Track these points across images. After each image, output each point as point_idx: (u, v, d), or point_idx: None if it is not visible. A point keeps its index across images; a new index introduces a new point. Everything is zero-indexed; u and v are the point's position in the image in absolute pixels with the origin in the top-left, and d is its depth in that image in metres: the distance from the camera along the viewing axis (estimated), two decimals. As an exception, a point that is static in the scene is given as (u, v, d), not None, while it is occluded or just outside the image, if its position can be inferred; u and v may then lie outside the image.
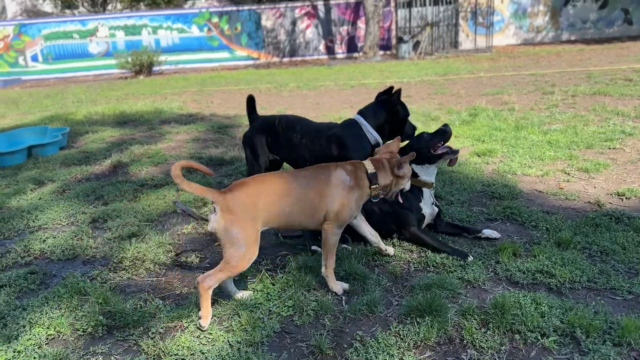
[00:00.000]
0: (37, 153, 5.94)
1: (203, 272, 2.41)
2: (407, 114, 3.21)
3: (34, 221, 3.84)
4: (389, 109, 3.12)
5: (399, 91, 3.11)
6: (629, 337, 2.09)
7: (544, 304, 2.34)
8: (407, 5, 21.26)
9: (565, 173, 4.23)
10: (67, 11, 26.37)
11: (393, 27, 22.13)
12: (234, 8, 22.65)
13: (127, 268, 3.02)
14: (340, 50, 22.86)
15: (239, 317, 2.40)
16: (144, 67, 19.13)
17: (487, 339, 2.17)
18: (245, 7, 22.70)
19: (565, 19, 22.10)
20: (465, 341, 2.18)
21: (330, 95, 9.88)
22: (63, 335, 2.39)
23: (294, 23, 22.60)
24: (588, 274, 2.62)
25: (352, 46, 22.82)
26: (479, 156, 4.90)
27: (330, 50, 22.90)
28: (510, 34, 22.26)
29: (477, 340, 2.17)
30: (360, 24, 22.40)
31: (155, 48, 20.84)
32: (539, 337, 2.16)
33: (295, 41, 22.79)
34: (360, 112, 3.18)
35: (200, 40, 22.18)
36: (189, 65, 21.75)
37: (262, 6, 22.64)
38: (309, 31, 22.77)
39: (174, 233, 3.50)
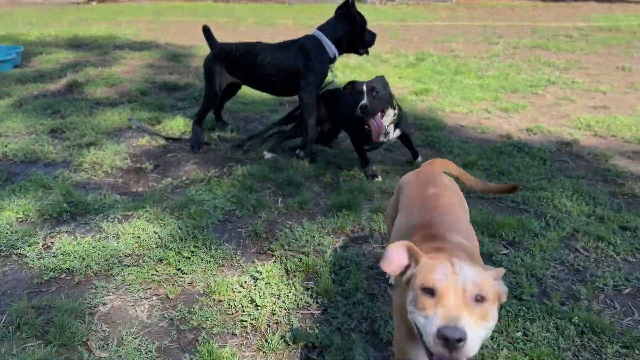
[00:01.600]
0: (-10, 70, 5.97)
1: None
2: (365, 22, 3.53)
3: (-7, 130, 4.05)
4: (347, 20, 3.44)
5: (353, 1, 3.44)
6: (501, 231, 2.64)
7: (442, 207, 2.86)
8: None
9: (487, 112, 4.76)
10: None
11: (356, -31, 21.90)
12: None
13: (86, 170, 3.35)
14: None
15: (189, 209, 2.80)
16: (96, -7, 18.38)
17: (384, 226, 2.68)
18: None
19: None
20: (373, 230, 2.68)
21: (287, 34, 10.00)
22: (30, 219, 2.74)
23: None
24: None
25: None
26: (416, 95, 5.35)
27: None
28: (471, -15, 22.47)
29: (382, 229, 2.67)
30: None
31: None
32: (433, 229, 2.68)
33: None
34: (319, 28, 3.52)
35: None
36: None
37: None
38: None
39: (129, 145, 3.82)
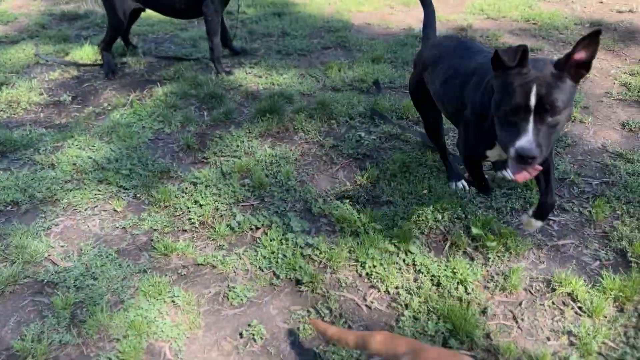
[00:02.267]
0: None
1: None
2: None
3: None
4: None
5: None
6: (408, 113, 2.98)
7: (354, 99, 3.15)
8: None
9: (391, 7, 4.99)
10: None
11: None
12: None
13: (4, 110, 3.31)
14: None
15: (117, 132, 2.92)
16: None
17: (312, 125, 2.95)
18: None
19: None
20: (297, 128, 2.94)
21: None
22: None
23: None
24: (390, 78, 3.46)
25: None
26: (322, -2, 5.45)
27: None
28: None
29: (305, 127, 2.93)
30: None
31: None
32: (348, 120, 2.98)
33: None
34: None
35: None
36: None
37: None
38: None
39: (42, 80, 3.75)
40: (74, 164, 2.66)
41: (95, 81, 3.71)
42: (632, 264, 1.90)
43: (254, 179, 2.47)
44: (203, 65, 3.87)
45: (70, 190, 2.47)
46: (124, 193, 2.46)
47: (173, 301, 1.85)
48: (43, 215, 2.32)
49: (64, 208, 2.37)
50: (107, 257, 2.05)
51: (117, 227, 2.24)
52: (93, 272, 1.97)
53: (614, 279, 1.81)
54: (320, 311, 1.78)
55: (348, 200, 2.32)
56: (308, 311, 1.79)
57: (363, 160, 2.63)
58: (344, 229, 2.14)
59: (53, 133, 2.99)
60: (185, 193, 2.42)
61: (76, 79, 3.76)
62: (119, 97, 3.39)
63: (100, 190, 2.47)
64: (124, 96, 3.41)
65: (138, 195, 2.44)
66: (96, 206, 2.39)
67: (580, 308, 1.75)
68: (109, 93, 3.51)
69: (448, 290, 1.82)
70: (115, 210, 2.35)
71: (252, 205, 2.35)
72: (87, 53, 4.13)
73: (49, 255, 2.08)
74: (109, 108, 3.29)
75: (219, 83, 3.51)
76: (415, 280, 1.89)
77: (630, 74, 3.33)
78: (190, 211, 2.30)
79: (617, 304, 1.75)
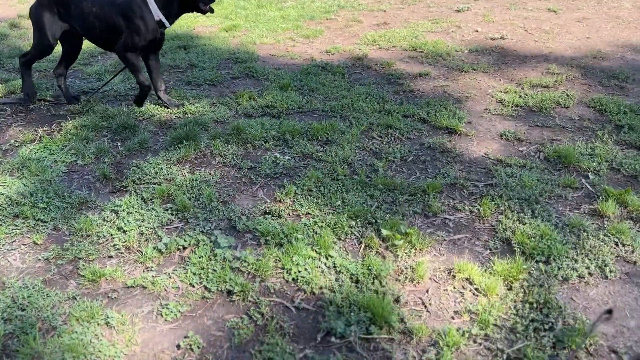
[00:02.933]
0: None
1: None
2: None
3: None
4: None
5: None
6: (317, 134, 3.22)
7: (267, 124, 3.35)
8: None
9: (292, 40, 5.29)
10: None
11: None
12: None
13: None
14: None
15: (28, 167, 2.87)
16: None
17: (228, 149, 3.09)
18: None
19: None
20: (214, 154, 3.07)
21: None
22: None
23: None
24: (299, 104, 3.70)
25: None
26: (226, 31, 5.65)
27: None
28: None
29: (222, 152, 3.07)
30: None
31: None
32: (263, 143, 3.17)
33: None
34: None
35: None
36: None
37: None
38: None
39: None
40: (-15, 202, 2.59)
41: (-3, 118, 3.60)
42: (516, 250, 2.24)
43: (176, 203, 2.56)
44: (111, 97, 3.89)
45: (-17, 228, 2.42)
46: (42, 226, 2.44)
47: (107, 323, 1.89)
48: (-45, 255, 2.25)
49: (-22, 246, 2.31)
50: (33, 288, 2.05)
51: (40, 259, 2.24)
52: (20, 304, 1.97)
53: (502, 263, 2.13)
54: (252, 316, 1.92)
55: (270, 216, 2.49)
56: (241, 318, 1.92)
57: (280, 178, 2.82)
58: (268, 241, 2.30)
59: (-44, 172, 2.88)
60: (107, 221, 2.46)
61: (-24, 116, 3.62)
62: (26, 133, 3.32)
63: (17, 225, 2.44)
64: (31, 132, 3.36)
65: (58, 227, 2.44)
66: (14, 241, 2.36)
67: (477, 289, 2.04)
68: (14, 129, 3.43)
69: (366, 286, 2.04)
70: (35, 243, 2.33)
71: (177, 227, 2.44)
72: (-16, 90, 3.99)
73: (-33, 293, 2.03)
74: (16, 144, 3.22)
75: (131, 114, 3.56)
76: (337, 280, 2.09)
77: (504, 92, 3.84)
78: (114, 238, 2.35)
79: (506, 283, 2.06)
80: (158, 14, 3.38)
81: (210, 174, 2.86)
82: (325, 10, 6.35)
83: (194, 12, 3.47)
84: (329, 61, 4.57)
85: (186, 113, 3.63)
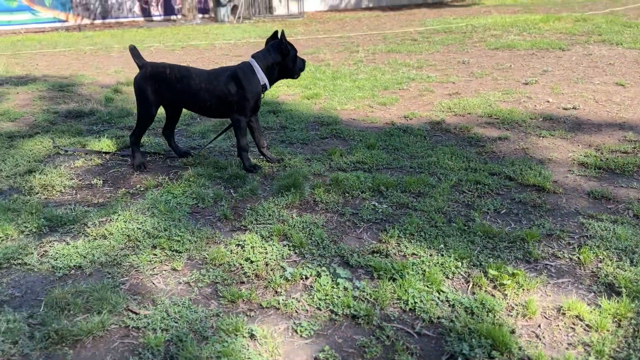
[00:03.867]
0: None
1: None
2: (296, 51, 3.86)
3: None
4: (279, 50, 3.78)
5: (282, 32, 3.80)
6: (409, 187, 3.49)
7: (361, 177, 3.65)
8: (221, -31, 21.78)
9: (370, 106, 5.71)
10: None
11: (209, -10, 22.45)
12: (32, -36, 20.63)
13: (40, 192, 3.59)
14: (156, 12, 22.47)
15: (157, 207, 3.25)
16: None
17: (329, 198, 3.40)
18: (45, -37, 20.84)
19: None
20: (316, 201, 3.38)
21: (162, 56, 10.33)
22: (11, 237, 2.99)
23: (104, -18, 21.48)
24: (387, 160, 4.01)
25: (168, 8, 22.60)
26: (308, 99, 6.15)
27: (145, 12, 22.37)
28: (318, 1, 24.23)
29: (324, 199, 3.37)
30: (176, -15, 22.27)
31: (-63, 7, 18.16)
32: (360, 193, 3.45)
33: (107, 2, 21.75)
34: (253, 56, 3.82)
35: (-7, -1, 19.86)
36: (-18, 27, 19.42)
37: (66, -37, 21.01)
38: (122, -9, 21.89)
39: (67, 168, 4.07)
40: (126, 234, 2.96)
41: (120, 167, 4.07)
42: (622, 292, 2.36)
43: (292, 240, 2.84)
44: (217, 152, 4.32)
45: (128, 255, 2.76)
46: (178, 255, 2.76)
47: (251, 336, 2.13)
48: (109, 276, 2.58)
49: (126, 269, 2.64)
50: (181, 304, 2.33)
51: (181, 283, 2.53)
52: (173, 317, 2.24)
53: (609, 303, 2.26)
54: (379, 337, 2.12)
55: (378, 254, 2.72)
56: (369, 338, 2.12)
57: (382, 224, 3.07)
58: (381, 275, 2.52)
59: (95, 210, 3.29)
60: (234, 253, 2.76)
61: (101, 166, 4.11)
62: (149, 180, 3.75)
63: (156, 255, 2.77)
64: (153, 179, 3.78)
65: (192, 257, 2.75)
66: (155, 267, 2.67)
67: (587, 325, 2.17)
68: (136, 178, 3.87)
69: (481, 317, 2.21)
70: (174, 269, 2.64)
71: (296, 261, 2.70)
72: (104, 144, 4.51)
73: (127, 307, 2.33)
74: (142, 189, 3.63)
75: (239, 165, 3.94)
76: (452, 311, 2.27)
77: (584, 156, 4.02)
78: (243, 267, 2.63)
79: (615, 320, 2.19)
80: (263, 79, 3.81)
81: (316, 218, 3.15)
82: (397, 82, 6.80)
83: (284, 79, 4.02)
84: (408, 125, 4.91)
85: (285, 167, 3.99)
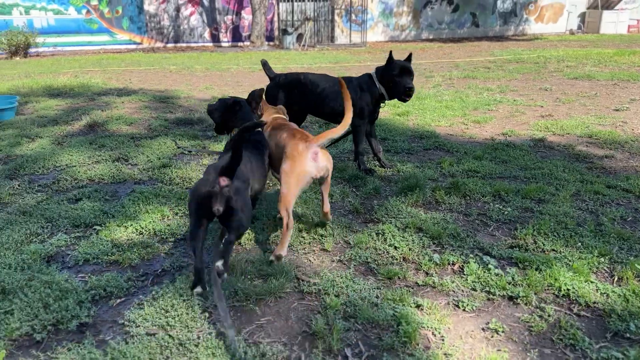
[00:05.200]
0: (-6, 117, 6.21)
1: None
2: (410, 73, 4.00)
3: (57, 163, 4.45)
4: (392, 67, 3.99)
5: (410, 54, 4.11)
6: (529, 194, 3.61)
7: (479, 183, 3.80)
8: (288, 0, 22.74)
9: (464, 124, 5.87)
10: None
11: (275, 19, 23.40)
12: (115, -9, 22.18)
13: (180, 183, 3.93)
14: (225, 38, 23.54)
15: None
16: (20, 49, 18.18)
17: (451, 199, 3.56)
18: (127, -9, 22.35)
19: (425, 19, 25.17)
20: (439, 202, 3.55)
21: (244, 76, 10.86)
22: (168, 217, 3.30)
23: (177, 9, 22.76)
24: (498, 170, 4.15)
25: (236, 35, 23.64)
26: (399, 116, 6.38)
27: (215, 38, 23.47)
28: (379, 32, 24.76)
29: (445, 200, 3.54)
30: (245, 14, 23.33)
31: (29, 29, 19.70)
32: (481, 197, 3.60)
33: (180, 27, 22.98)
34: (375, 70, 4.11)
35: (78, 22, 21.39)
36: (67, 47, 20.92)
37: (145, -9, 22.47)
38: (194, 18, 23.10)
39: (197, 164, 4.42)
40: (271, 220, 3.21)
41: (242, 166, 4.36)
42: None
43: (429, 232, 3.02)
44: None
45: (279, 236, 3.00)
46: (324, 239, 2.98)
47: (417, 306, 2.31)
48: (269, 252, 2.82)
49: (295, 245, 2.88)
50: (343, 277, 2.53)
51: (334, 261, 2.74)
52: (340, 286, 2.45)
53: None
54: (542, 316, 2.25)
55: (517, 249, 2.85)
56: (531, 315, 2.25)
57: (511, 224, 3.20)
58: (527, 266, 2.65)
59: (236, 198, 3.56)
60: (377, 240, 2.95)
61: (225, 164, 4.42)
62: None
63: (304, 237, 3.00)
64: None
65: (337, 241, 2.97)
66: (306, 247, 2.90)
67: None
68: (261, 174, 4.15)
69: (637, 305, 2.30)
70: (325, 250, 2.86)
71: (435, 250, 2.87)
72: (222, 147, 4.85)
73: (296, 274, 2.56)
74: (271, 185, 3.91)
75: (356, 168, 4.18)
76: (606, 298, 2.37)
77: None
78: (389, 251, 2.82)
79: None
80: (381, 89, 4.08)
81: (443, 215, 3.31)
82: (484, 103, 6.95)
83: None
84: (509, 141, 5.04)
85: (399, 171, 4.19)
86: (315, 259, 2.77)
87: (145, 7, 22.20)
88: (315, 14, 22.61)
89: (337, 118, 4.20)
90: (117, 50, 20.99)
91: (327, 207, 2.99)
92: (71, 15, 21.22)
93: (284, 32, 21.42)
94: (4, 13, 20.18)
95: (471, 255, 2.76)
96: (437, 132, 5.49)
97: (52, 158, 4.53)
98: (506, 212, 3.35)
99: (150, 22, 22.46)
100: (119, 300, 2.37)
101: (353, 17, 23.32)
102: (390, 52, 4.15)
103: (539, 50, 15.32)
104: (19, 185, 3.88)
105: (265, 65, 4.31)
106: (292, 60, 14.55)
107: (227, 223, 2.36)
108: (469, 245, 2.90)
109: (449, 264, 2.70)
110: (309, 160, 2.71)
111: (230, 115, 3.11)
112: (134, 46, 21.97)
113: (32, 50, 18.78)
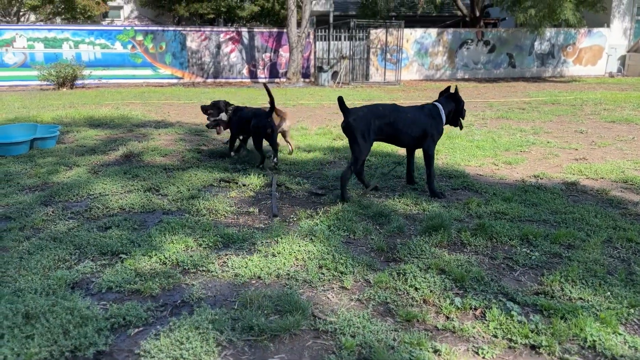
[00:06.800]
0: (37, 145, 6.49)
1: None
2: (464, 102, 4.72)
3: (91, 191, 4.60)
4: (455, 99, 4.64)
5: (456, 87, 4.74)
6: (558, 239, 3.52)
7: (506, 226, 3.72)
8: (324, 39, 23.28)
9: (495, 165, 5.80)
10: (-27, 19, 25.19)
11: (312, 57, 23.93)
12: (160, 28, 23.20)
13: (206, 214, 3.99)
14: (262, 75, 24.17)
15: (314, 236, 3.51)
16: (67, 80, 19.10)
17: (477, 241, 3.49)
18: (171, 28, 23.35)
19: (460, 59, 25.26)
20: (464, 243, 3.49)
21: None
22: (191, 248, 3.35)
23: (218, 46, 23.58)
24: (527, 213, 4.06)
25: (273, 72, 24.25)
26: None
27: (252, 75, 24.13)
28: (414, 70, 24.96)
29: (471, 242, 3.48)
30: (282, 52, 23.97)
31: (77, 62, 20.70)
32: (508, 240, 3.52)
33: (220, 63, 23.74)
34: (437, 101, 4.63)
35: (123, 56, 22.39)
36: (112, 80, 21.87)
37: (188, 28, 23.42)
38: (233, 55, 23.86)
39: (224, 197, 4.49)
40: (293, 255, 3.22)
41: (268, 200, 4.42)
42: None
43: (452, 274, 2.96)
44: (352, 192, 4.58)
45: (299, 272, 3.00)
46: (344, 276, 2.96)
47: (435, 351, 2.25)
48: (288, 287, 2.82)
49: (301, 283, 2.87)
50: (360, 317, 2.50)
51: (352, 299, 2.71)
52: (357, 326, 2.41)
53: None
54: (564, 367, 2.15)
55: (542, 295, 2.76)
56: (554, 367, 2.16)
57: (538, 269, 3.11)
58: (552, 314, 2.56)
59: (260, 233, 3.60)
60: (397, 280, 2.91)
61: (252, 198, 4.49)
62: (300, 212, 4.04)
63: (323, 274, 2.99)
64: (302, 211, 4.07)
65: (357, 279, 2.94)
66: (325, 284, 2.88)
67: None
68: (287, 209, 4.19)
69: (669, 361, 2.18)
70: (344, 287, 2.84)
71: (458, 293, 2.81)
72: (254, 180, 4.93)
73: (313, 312, 2.54)
74: (295, 219, 3.93)
75: (382, 205, 4.16)
76: (635, 352, 2.26)
77: None
78: (409, 292, 2.78)
79: None
80: (445, 119, 4.62)
81: (467, 257, 3.25)
82: (517, 145, 6.87)
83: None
84: (541, 184, 4.94)
85: (424, 210, 4.16)
86: (333, 297, 2.75)
87: (188, 43, 23.09)
88: (351, 53, 23.01)
89: (414, 145, 4.58)
90: (159, 84, 21.82)
91: None
92: (117, 50, 22.25)
93: (320, 69, 21.85)
94: (54, 46, 21.32)
95: (494, 301, 2.69)
96: (466, 171, 5.44)
97: (87, 186, 4.68)
98: (533, 257, 3.26)
99: (192, 58, 23.30)
100: (137, 330, 2.40)
101: (388, 56, 23.64)
102: (456, 86, 4.80)
103: (576, 92, 15.12)
104: (52, 212, 4.02)
105: (340, 101, 4.29)
106: (327, 96, 14.78)
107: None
108: (493, 290, 2.82)
109: (470, 308, 2.63)
110: None
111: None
112: (175, 80, 22.81)
113: (78, 82, 19.70)
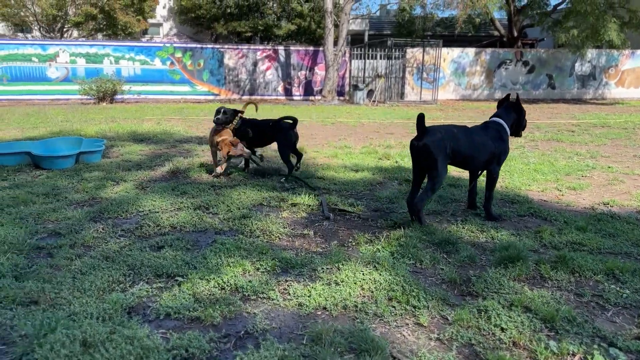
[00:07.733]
0: (82, 159, 6.45)
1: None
2: (525, 112, 4.48)
3: (140, 207, 4.47)
4: (517, 109, 4.42)
5: (517, 95, 4.49)
6: (649, 274, 3.19)
7: (588, 258, 3.40)
8: (360, 57, 23.20)
9: (558, 190, 5.46)
10: (20, 34, 26.10)
11: (347, 75, 23.87)
12: (198, 45, 23.55)
13: (260, 236, 3.79)
14: (297, 92, 24.22)
15: (377, 264, 3.26)
16: (107, 95, 19.48)
17: (559, 275, 3.19)
18: (209, 46, 23.67)
19: (498, 79, 24.82)
20: (544, 277, 3.18)
21: (317, 129, 10.92)
22: (249, 272, 3.14)
23: (255, 64, 23.76)
24: (607, 245, 3.73)
25: (308, 89, 24.27)
26: (483, 176, 6.04)
27: (287, 92, 24.20)
28: (450, 90, 24.62)
29: (552, 277, 3.17)
30: (317, 70, 24.00)
31: (117, 77, 21.12)
32: (592, 275, 3.21)
33: (256, 81, 23.90)
34: (497, 115, 4.37)
35: (162, 72, 22.76)
36: (150, 95, 22.22)
37: (226, 46, 23.70)
38: (269, 72, 24.00)
39: (277, 217, 4.29)
40: (358, 284, 2.98)
41: (321, 223, 4.20)
42: None
43: (539, 312, 2.67)
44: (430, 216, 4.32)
45: (367, 304, 2.75)
46: (417, 311, 2.70)
47: (540, 406, 1.97)
48: (359, 320, 2.57)
49: (371, 317, 2.63)
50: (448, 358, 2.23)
51: (432, 339, 2.45)
52: (445, 372, 2.15)
53: None
54: None
55: (647, 341, 2.45)
56: None
57: (632, 309, 2.79)
58: (664, 364, 2.25)
59: (319, 258, 3.37)
60: (479, 318, 2.64)
61: (305, 219, 4.28)
62: (359, 236, 3.81)
63: (394, 307, 2.74)
64: (360, 235, 3.84)
65: (432, 315, 2.68)
66: (397, 319, 2.63)
67: None
68: (343, 232, 3.96)
69: None
70: (420, 324, 2.58)
71: (549, 335, 2.51)
72: (304, 199, 4.72)
73: (391, 352, 2.28)
74: (353, 244, 3.69)
75: (445, 232, 3.89)
76: None
77: None
78: (494, 333, 2.50)
79: None
80: (509, 132, 4.38)
81: (551, 294, 2.95)
82: (577, 169, 6.50)
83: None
84: (613, 212, 4.59)
85: (493, 238, 3.87)
86: (410, 335, 2.49)
87: (225, 61, 23.35)
88: (387, 71, 22.85)
89: (482, 167, 4.33)
90: (197, 100, 22.06)
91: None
92: (156, 66, 22.64)
93: (355, 87, 21.75)
94: (96, 62, 21.83)
95: (594, 346, 2.39)
96: (529, 197, 5.12)
97: (136, 203, 4.56)
98: (624, 295, 2.94)
99: (229, 75, 23.54)
100: (200, 365, 2.19)
101: (424, 75, 23.39)
102: (517, 94, 4.58)
103: (625, 115, 14.56)
104: (102, 229, 3.89)
105: (420, 117, 4.03)
106: (365, 115, 14.60)
107: None
108: (588, 333, 2.52)
109: (568, 354, 2.34)
110: None
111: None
112: (212, 97, 23.05)
113: (117, 96, 20.08)
